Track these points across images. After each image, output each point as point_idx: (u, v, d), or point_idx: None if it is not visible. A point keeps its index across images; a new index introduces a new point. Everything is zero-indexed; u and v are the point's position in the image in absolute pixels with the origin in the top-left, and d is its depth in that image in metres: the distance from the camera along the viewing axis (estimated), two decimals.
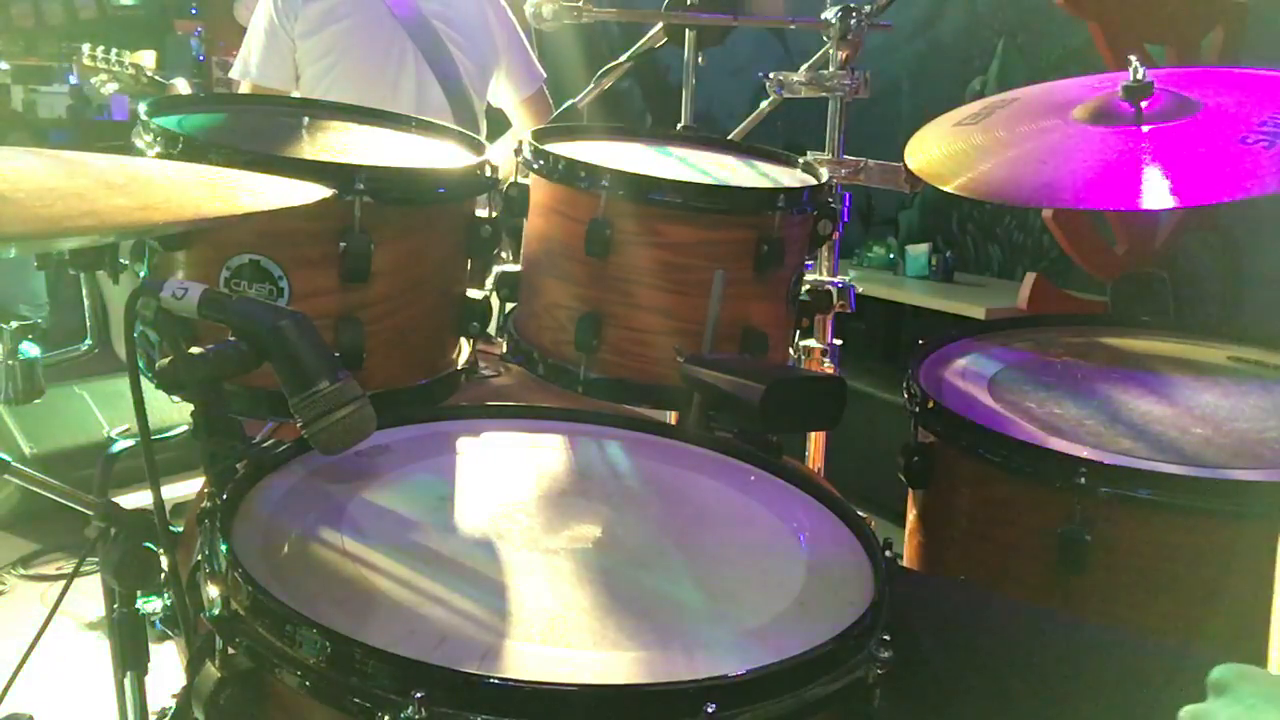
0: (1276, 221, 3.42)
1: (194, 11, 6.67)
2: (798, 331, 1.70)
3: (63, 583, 1.41)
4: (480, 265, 1.61)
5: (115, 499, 1.28)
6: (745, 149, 1.82)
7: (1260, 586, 1.25)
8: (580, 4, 2.04)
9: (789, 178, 1.68)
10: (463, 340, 1.60)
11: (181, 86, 3.03)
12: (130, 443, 1.41)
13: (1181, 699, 0.97)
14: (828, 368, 1.91)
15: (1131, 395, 1.54)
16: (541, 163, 1.51)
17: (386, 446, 1.20)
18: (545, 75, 2.86)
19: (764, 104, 2.14)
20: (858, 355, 2.12)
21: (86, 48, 3.32)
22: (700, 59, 2.11)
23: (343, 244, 1.34)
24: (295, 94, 2.55)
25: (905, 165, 1.74)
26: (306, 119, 1.67)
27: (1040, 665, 1.06)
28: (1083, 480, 1.27)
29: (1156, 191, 1.45)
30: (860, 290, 1.91)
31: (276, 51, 2.54)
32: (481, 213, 1.54)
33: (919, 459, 1.50)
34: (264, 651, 0.85)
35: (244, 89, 2.60)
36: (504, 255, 1.73)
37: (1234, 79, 1.63)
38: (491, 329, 1.62)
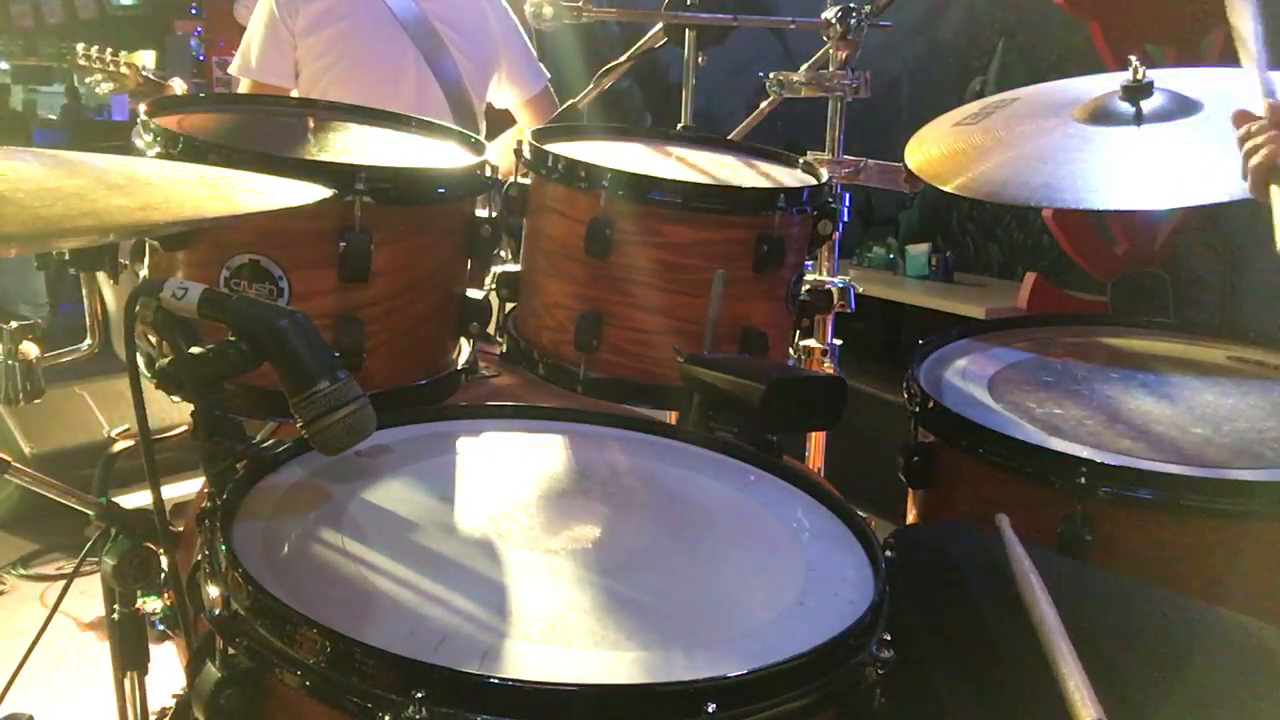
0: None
1: (194, 11, 6.66)
2: (798, 331, 1.70)
3: (63, 583, 1.41)
4: (480, 265, 1.61)
5: (115, 499, 1.28)
6: (745, 149, 1.83)
7: (1260, 586, 1.25)
8: (580, 4, 2.04)
9: (789, 178, 1.68)
10: (463, 340, 1.60)
11: (177, 86, 3.03)
12: (130, 443, 1.41)
13: (1207, 659, 0.97)
14: (828, 368, 1.91)
15: (1131, 395, 1.54)
16: (541, 162, 1.51)
17: (386, 446, 1.20)
18: (549, 75, 2.86)
19: (764, 104, 2.14)
20: (858, 355, 2.12)
21: (81, 47, 3.32)
22: (700, 59, 2.11)
23: (343, 244, 1.34)
24: (295, 93, 2.55)
25: (905, 165, 1.74)
26: (306, 119, 1.67)
27: (1084, 623, 1.06)
28: (1083, 480, 1.27)
29: (1156, 191, 1.46)
30: (860, 290, 1.91)
31: (277, 48, 2.54)
32: (481, 213, 1.54)
33: (919, 459, 1.50)
34: (264, 651, 0.85)
35: (244, 86, 2.60)
36: (504, 255, 1.73)
37: (1234, 79, 1.63)
38: (491, 329, 1.62)
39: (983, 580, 1.10)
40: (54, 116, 6.16)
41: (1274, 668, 1.03)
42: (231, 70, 2.64)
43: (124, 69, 3.26)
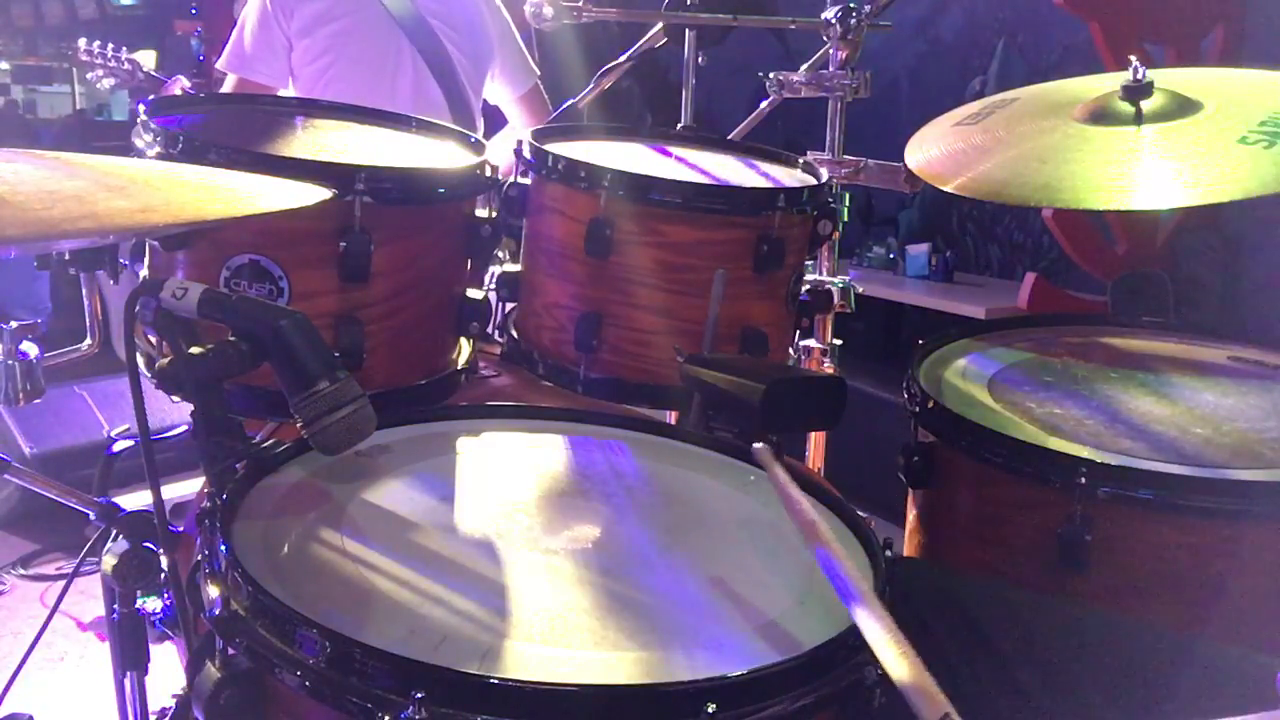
0: (1276, 221, 3.42)
1: (194, 11, 6.67)
2: (798, 331, 1.70)
3: (62, 583, 1.41)
4: (480, 265, 1.61)
5: (115, 499, 1.28)
6: (745, 149, 1.82)
7: (1260, 586, 1.25)
8: (580, 4, 2.04)
9: (789, 178, 1.68)
10: (463, 340, 1.60)
11: (177, 85, 3.02)
12: (130, 443, 1.41)
13: (1188, 687, 0.97)
14: (828, 368, 1.91)
15: (1131, 395, 1.54)
16: (541, 162, 1.51)
17: (386, 446, 1.20)
18: (540, 72, 2.86)
19: (764, 104, 2.14)
20: (858, 355, 2.12)
21: (83, 42, 3.33)
22: (700, 59, 2.11)
23: (343, 244, 1.34)
24: (293, 94, 2.55)
25: (905, 165, 1.74)
26: (306, 119, 1.67)
27: (1051, 655, 1.06)
28: (1083, 480, 1.27)
29: (1156, 191, 1.45)
30: (860, 290, 1.91)
31: (269, 47, 2.53)
32: (481, 213, 1.54)
33: (919, 459, 1.50)
34: (264, 651, 0.85)
35: (230, 81, 2.58)
36: (504, 255, 1.73)
37: (1234, 79, 1.63)
38: (491, 329, 1.62)
39: (938, 616, 1.10)
40: (62, 115, 6.18)
41: (1257, 696, 1.02)
42: (219, 65, 2.63)
43: (125, 64, 3.27)
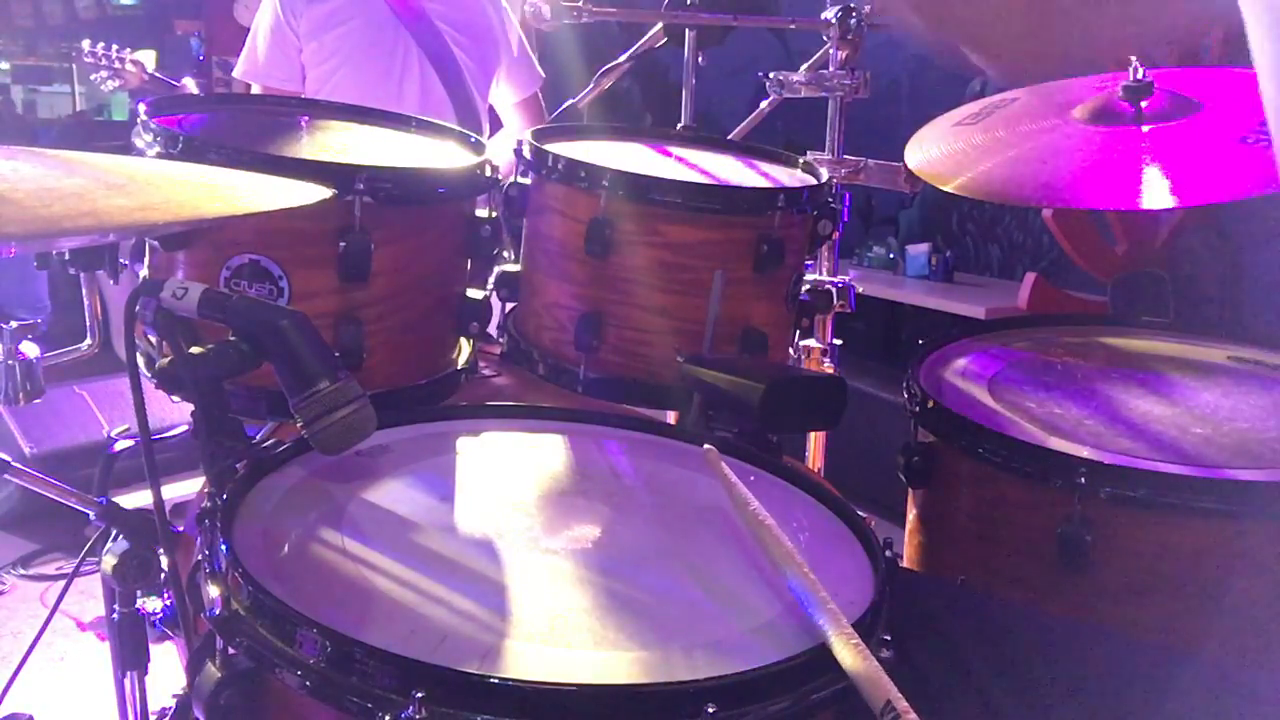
0: (1276, 221, 3.42)
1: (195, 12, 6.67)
2: (798, 331, 1.70)
3: (62, 583, 1.41)
4: (480, 265, 1.61)
5: (115, 499, 1.28)
6: (745, 149, 1.82)
7: (1260, 587, 1.25)
8: (580, 4, 2.04)
9: (789, 178, 1.68)
10: (463, 340, 1.60)
11: (189, 86, 3.03)
12: (130, 443, 1.41)
13: (1172, 703, 0.97)
14: (828, 368, 1.91)
15: (1131, 395, 1.54)
16: (541, 162, 1.51)
17: (386, 446, 1.20)
18: (544, 77, 2.87)
19: (764, 104, 2.14)
20: (858, 355, 2.12)
21: (86, 44, 3.34)
22: (700, 59, 2.11)
23: (343, 244, 1.34)
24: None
25: (905, 165, 1.74)
26: (307, 119, 1.67)
27: (1027, 669, 1.05)
28: (1083, 480, 1.27)
29: (1156, 191, 1.46)
30: (860, 290, 1.90)
31: (282, 51, 2.55)
32: (482, 213, 1.54)
33: (919, 459, 1.50)
34: (264, 651, 0.85)
35: (253, 90, 2.61)
36: (504, 255, 1.73)
37: (1234, 79, 1.64)
38: (491, 329, 1.62)
39: (913, 629, 1.10)
40: (61, 116, 6.18)
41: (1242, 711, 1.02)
42: (236, 74, 2.65)
43: (129, 66, 3.27)
